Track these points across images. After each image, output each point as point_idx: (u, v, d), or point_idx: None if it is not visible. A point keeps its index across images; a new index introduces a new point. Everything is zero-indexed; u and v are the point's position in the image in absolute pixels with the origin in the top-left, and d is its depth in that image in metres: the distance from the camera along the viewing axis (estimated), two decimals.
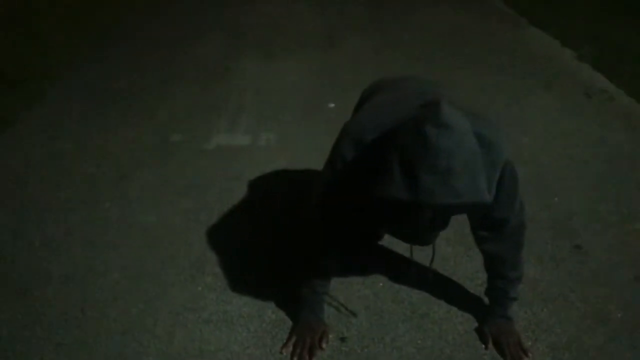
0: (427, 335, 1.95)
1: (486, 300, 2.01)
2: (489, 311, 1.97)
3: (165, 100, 3.91)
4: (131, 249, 2.41)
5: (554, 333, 1.95)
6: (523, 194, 1.75)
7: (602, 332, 1.96)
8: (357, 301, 2.10)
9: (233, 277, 2.23)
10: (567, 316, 2.02)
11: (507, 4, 6.28)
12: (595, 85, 4.05)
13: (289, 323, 2.00)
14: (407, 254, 2.09)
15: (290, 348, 1.89)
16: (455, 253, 2.32)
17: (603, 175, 2.91)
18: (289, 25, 5.66)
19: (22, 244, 2.45)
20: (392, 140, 1.35)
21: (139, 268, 2.30)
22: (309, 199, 1.84)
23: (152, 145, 3.28)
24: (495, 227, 1.74)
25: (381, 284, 2.18)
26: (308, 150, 3.09)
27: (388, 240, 2.34)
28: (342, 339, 1.94)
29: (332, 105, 3.72)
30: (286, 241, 2.37)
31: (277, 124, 3.54)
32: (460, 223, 1.91)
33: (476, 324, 1.99)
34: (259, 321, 2.02)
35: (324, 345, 1.88)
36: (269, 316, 2.04)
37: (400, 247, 2.30)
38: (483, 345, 1.90)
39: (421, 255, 2.09)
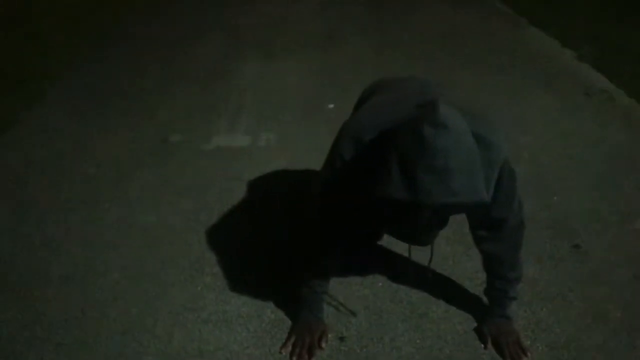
0: (426, 334, 1.95)
1: (485, 300, 2.01)
2: (488, 311, 1.97)
3: (165, 100, 3.92)
4: (131, 249, 2.42)
5: (553, 332, 1.95)
6: (522, 194, 1.75)
7: (601, 332, 1.96)
8: (357, 301, 2.10)
9: (232, 277, 2.24)
10: (566, 315, 2.03)
11: (507, 4, 6.28)
12: (595, 85, 4.05)
13: (288, 323, 2.00)
14: (406, 254, 2.09)
15: (290, 348, 1.89)
16: (455, 253, 2.33)
17: (603, 175, 2.91)
18: (289, 25, 5.67)
19: (22, 244, 2.46)
20: (391, 140, 1.35)
21: (139, 268, 2.30)
22: (308, 198, 1.84)
23: (152, 145, 3.29)
24: (493, 227, 1.74)
25: (380, 284, 2.18)
26: (308, 150, 3.09)
27: (387, 240, 2.34)
28: (341, 339, 1.94)
29: (331, 105, 3.72)
30: (286, 241, 2.37)
31: (277, 124, 3.54)
32: (459, 223, 1.91)
33: (475, 324, 2.00)
34: (258, 321, 2.02)
35: (323, 345, 1.89)
36: (268, 316, 2.04)
37: (399, 247, 2.30)
38: (482, 345, 1.91)
39: (420, 255, 2.09)
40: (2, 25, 5.47)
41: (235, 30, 5.56)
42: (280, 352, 1.89)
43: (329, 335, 1.94)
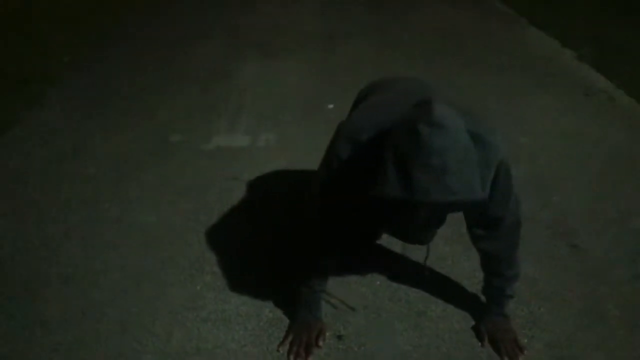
0: (424, 333, 1.96)
1: (483, 298, 2.02)
2: (485, 309, 1.98)
3: (165, 100, 3.92)
4: (131, 249, 2.42)
5: (550, 331, 1.96)
6: (522, 193, 1.76)
7: (599, 331, 1.96)
8: (355, 299, 2.10)
9: (232, 276, 2.24)
10: (564, 314, 2.03)
11: (507, 4, 6.29)
12: (595, 85, 4.05)
13: (286, 321, 2.01)
14: (403, 252, 2.09)
15: (287, 346, 1.90)
16: (453, 252, 2.33)
17: (602, 174, 2.91)
18: (289, 26, 5.67)
19: (22, 244, 2.46)
20: (387, 140, 1.36)
21: (139, 268, 2.31)
22: (306, 198, 1.85)
23: (152, 146, 3.29)
24: (490, 226, 1.75)
25: (378, 283, 2.19)
26: (308, 150, 3.09)
27: (386, 240, 2.35)
28: (339, 337, 1.95)
29: (331, 106, 3.72)
30: (285, 241, 2.37)
31: (276, 125, 3.54)
32: (458, 222, 1.91)
33: (473, 322, 2.00)
34: (257, 320, 2.03)
35: (320, 343, 1.89)
36: (267, 315, 2.05)
37: (398, 246, 2.31)
38: (479, 343, 1.91)
39: (419, 254, 2.10)
40: (2, 25, 5.47)
41: (235, 30, 5.57)
42: (278, 351, 1.90)
43: (327, 334, 1.94)
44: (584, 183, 2.84)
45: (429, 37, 5.26)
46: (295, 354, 1.86)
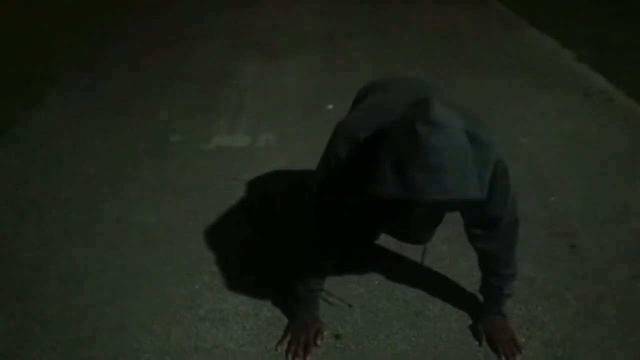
0: (422, 332, 1.96)
1: (481, 297, 2.02)
2: (483, 308, 1.98)
3: (165, 100, 3.93)
4: (130, 249, 2.43)
5: (548, 330, 1.96)
6: (521, 193, 1.76)
7: (596, 330, 1.97)
8: (353, 299, 2.11)
9: (230, 275, 2.25)
10: (562, 314, 2.03)
11: (506, 4, 6.29)
12: (595, 85, 4.06)
13: (285, 321, 2.02)
14: (402, 253, 2.10)
15: (285, 345, 1.90)
16: (451, 251, 2.33)
17: (601, 175, 2.92)
18: (289, 26, 5.68)
19: (22, 244, 2.47)
20: (385, 139, 1.36)
21: (138, 267, 2.31)
22: (305, 198, 1.85)
23: (152, 145, 3.30)
24: (488, 225, 1.75)
25: (376, 282, 2.19)
26: (307, 150, 3.08)
27: (384, 240, 2.35)
28: (337, 336, 1.95)
29: (331, 106, 3.72)
30: (284, 241, 2.38)
31: (276, 125, 3.55)
32: (456, 221, 1.91)
33: (471, 321, 2.01)
34: (255, 319, 2.03)
35: (318, 342, 1.90)
36: (265, 314, 2.05)
37: (395, 245, 2.31)
38: (477, 342, 1.92)
39: (416, 253, 2.10)
40: (2, 25, 5.48)
41: (235, 30, 5.58)
42: (276, 350, 1.90)
43: (325, 333, 1.95)
44: (583, 183, 2.84)
45: (429, 37, 5.27)
46: (293, 353, 1.87)
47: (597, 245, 2.40)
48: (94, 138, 3.38)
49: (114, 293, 2.18)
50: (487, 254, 1.86)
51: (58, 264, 2.34)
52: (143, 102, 3.91)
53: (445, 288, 2.16)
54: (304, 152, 3.11)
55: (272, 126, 3.53)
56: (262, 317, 2.04)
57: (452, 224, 2.01)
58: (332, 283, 2.08)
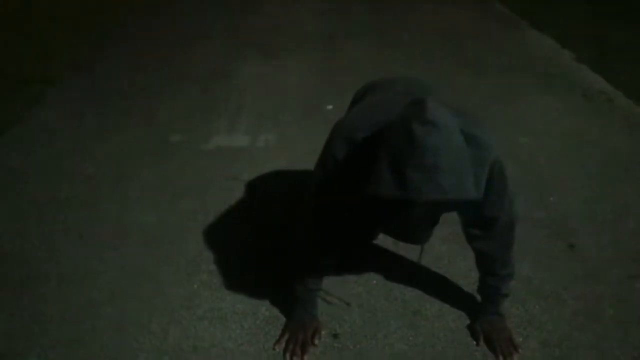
0: (419, 332, 1.97)
1: (478, 297, 2.02)
2: (480, 308, 1.99)
3: (165, 100, 3.93)
4: (130, 249, 2.43)
5: (545, 330, 1.97)
6: (520, 193, 1.76)
7: (594, 330, 1.97)
8: (351, 298, 2.11)
9: (229, 275, 2.25)
10: (560, 313, 2.04)
11: (506, 5, 6.30)
12: (594, 86, 4.06)
13: (282, 320, 2.02)
14: (400, 252, 2.10)
15: (283, 344, 1.91)
16: (449, 251, 2.34)
17: (600, 175, 2.92)
18: (289, 26, 5.68)
19: (22, 244, 2.47)
20: (382, 139, 1.37)
21: (137, 267, 2.32)
22: (306, 198, 1.86)
23: (152, 146, 3.30)
24: (485, 226, 1.75)
25: (374, 282, 2.20)
26: (307, 150, 3.07)
27: (382, 240, 2.36)
28: (335, 336, 1.96)
29: (330, 107, 3.73)
30: (283, 240, 2.38)
31: (276, 125, 3.55)
32: (454, 222, 1.91)
33: (468, 321, 2.01)
34: (253, 318, 2.04)
35: (316, 342, 1.90)
36: (263, 313, 2.06)
37: (394, 245, 2.32)
38: (475, 342, 1.92)
39: (414, 253, 2.11)
40: (2, 25, 5.49)
41: (235, 30, 5.59)
42: (274, 349, 1.91)
43: (323, 332, 1.95)
44: (582, 183, 2.85)
45: (428, 37, 5.28)
46: (291, 352, 1.87)
47: (596, 245, 2.40)
48: (94, 138, 3.39)
49: (114, 293, 2.18)
50: (484, 254, 1.86)
51: (58, 263, 2.34)
52: (143, 102, 3.92)
53: (444, 288, 2.17)
54: (303, 152, 3.10)
55: (272, 126, 3.53)
56: (260, 317, 2.05)
57: (451, 224, 2.02)
58: (330, 282, 2.08)
